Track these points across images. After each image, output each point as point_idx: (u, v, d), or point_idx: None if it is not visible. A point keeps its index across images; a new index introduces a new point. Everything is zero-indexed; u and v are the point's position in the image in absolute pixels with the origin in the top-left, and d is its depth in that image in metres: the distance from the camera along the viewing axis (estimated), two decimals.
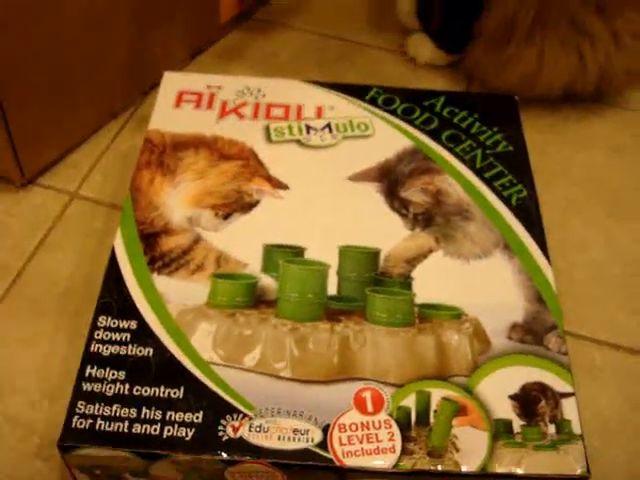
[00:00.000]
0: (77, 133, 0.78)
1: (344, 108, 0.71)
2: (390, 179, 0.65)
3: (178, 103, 0.71)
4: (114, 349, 0.53)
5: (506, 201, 0.64)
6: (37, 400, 0.59)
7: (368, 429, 0.50)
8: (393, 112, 0.71)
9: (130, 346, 0.53)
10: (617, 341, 0.66)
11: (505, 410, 0.51)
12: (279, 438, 0.49)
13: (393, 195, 0.64)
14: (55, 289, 0.66)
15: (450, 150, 0.68)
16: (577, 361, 0.62)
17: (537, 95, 0.83)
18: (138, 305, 0.55)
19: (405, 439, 0.50)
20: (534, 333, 0.56)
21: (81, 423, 0.50)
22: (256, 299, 0.57)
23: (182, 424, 0.50)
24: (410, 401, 0.51)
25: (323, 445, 0.49)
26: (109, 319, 0.55)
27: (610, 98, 0.88)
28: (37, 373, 0.61)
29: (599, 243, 0.73)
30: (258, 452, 0.49)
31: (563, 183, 0.79)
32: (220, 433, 0.49)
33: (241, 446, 0.49)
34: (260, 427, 0.50)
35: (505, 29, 0.79)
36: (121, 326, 0.54)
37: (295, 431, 0.49)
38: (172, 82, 0.73)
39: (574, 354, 0.62)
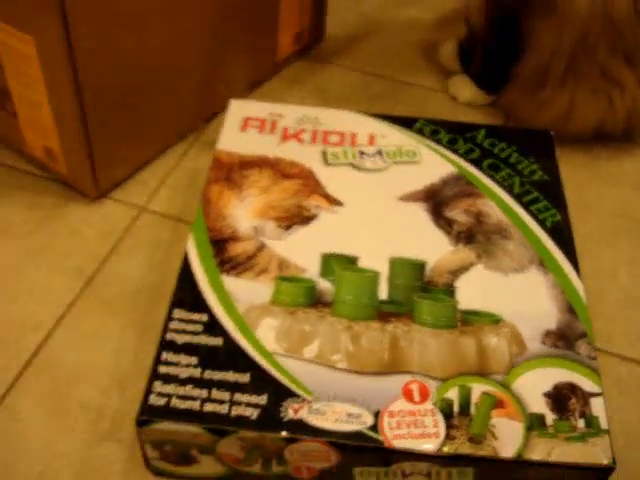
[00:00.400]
0: (147, 153, 0.84)
1: (394, 137, 0.78)
2: (436, 200, 0.72)
3: (244, 127, 0.78)
4: (187, 338, 0.59)
5: (541, 223, 0.70)
6: (107, 389, 0.65)
7: (415, 416, 0.55)
8: (438, 141, 0.77)
9: (202, 336, 0.59)
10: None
11: (539, 405, 0.56)
12: (335, 421, 0.55)
13: (438, 214, 0.70)
14: (125, 291, 0.72)
15: (490, 177, 0.74)
16: (605, 375, 0.66)
17: (569, 135, 0.88)
18: (209, 301, 0.61)
19: (448, 426, 0.55)
20: (566, 339, 0.61)
21: (157, 401, 0.55)
22: (315, 300, 0.63)
23: (248, 405, 0.55)
24: (453, 393, 0.57)
25: (374, 429, 0.54)
26: (183, 312, 0.61)
27: (639, 138, 0.93)
28: (108, 365, 0.66)
29: (627, 271, 0.78)
30: (315, 432, 0.54)
31: (596, 216, 0.84)
32: (282, 414, 0.55)
33: (300, 426, 0.54)
34: (318, 410, 0.55)
35: (540, 74, 0.86)
36: (194, 318, 0.60)
37: (349, 415, 0.55)
38: (238, 109, 0.80)
39: (602, 369, 0.67)
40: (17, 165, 0.84)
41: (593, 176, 0.89)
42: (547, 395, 0.57)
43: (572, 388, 0.58)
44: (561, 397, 0.57)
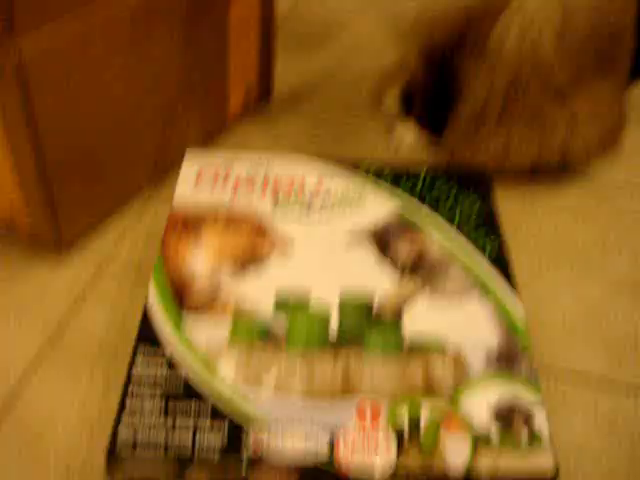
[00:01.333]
0: (108, 208, 0.88)
1: (341, 179, 0.83)
2: (381, 236, 0.76)
3: (199, 178, 0.82)
4: (151, 371, 0.62)
5: (481, 252, 0.75)
6: (78, 435, 0.67)
7: (368, 434, 0.59)
8: (383, 182, 0.82)
9: (165, 370, 0.63)
10: (585, 374, 0.74)
11: (484, 420, 0.60)
12: (294, 445, 0.58)
13: (384, 249, 0.75)
14: (91, 341, 0.75)
15: (432, 211, 0.79)
16: (550, 393, 0.71)
17: (508, 170, 0.94)
18: (171, 342, 0.65)
19: (400, 441, 0.59)
20: (507, 358, 0.65)
21: (126, 433, 0.58)
22: (270, 335, 0.66)
23: (211, 432, 0.59)
24: (403, 410, 0.60)
25: (331, 449, 0.58)
26: (147, 348, 0.64)
27: (574, 170, 0.99)
28: (77, 412, 0.68)
29: (567, 293, 0.83)
30: (276, 457, 0.57)
31: (536, 245, 0.88)
32: (243, 441, 0.58)
33: (262, 452, 0.57)
34: (277, 436, 0.58)
35: (477, 116, 0.91)
36: (158, 360, 0.64)
37: (308, 438, 0.58)
38: (192, 161, 0.85)
39: (548, 387, 0.72)
40: None
41: (532, 207, 0.94)
42: (491, 411, 0.61)
43: (515, 403, 0.62)
44: (504, 412, 0.61)
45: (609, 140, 0.99)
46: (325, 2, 1.36)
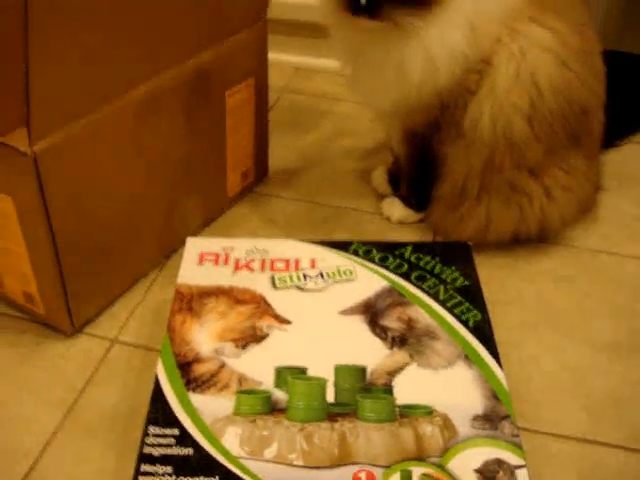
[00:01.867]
0: (115, 290, 0.94)
1: (332, 259, 0.89)
2: (372, 312, 0.82)
3: (200, 261, 0.88)
4: (162, 450, 0.68)
5: (464, 323, 0.81)
6: None
7: None
8: (371, 260, 0.89)
9: (175, 447, 0.68)
10: (567, 433, 0.79)
11: None
12: None
13: (375, 324, 0.81)
14: (103, 416, 0.80)
15: (418, 287, 0.85)
16: (535, 451, 0.76)
17: (490, 242, 1.00)
18: (179, 416, 0.70)
19: None
20: (491, 422, 0.71)
21: None
22: (271, 408, 0.72)
23: None
24: (396, 478, 0.65)
25: None
26: (157, 428, 0.69)
27: (553, 238, 1.05)
28: None
29: (549, 356, 0.88)
30: None
31: (518, 310, 0.94)
32: None
33: None
34: None
35: (457, 193, 0.98)
36: (167, 433, 0.69)
37: None
38: (194, 245, 0.91)
39: (532, 446, 0.76)
40: None
41: (513, 275, 1.00)
42: (478, 471, 0.66)
43: (499, 463, 0.67)
44: (490, 472, 0.66)
45: (583, 209, 1.06)
46: (312, 88, 1.44)
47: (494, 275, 0.98)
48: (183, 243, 0.94)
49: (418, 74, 0.88)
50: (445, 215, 1.02)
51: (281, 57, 1.43)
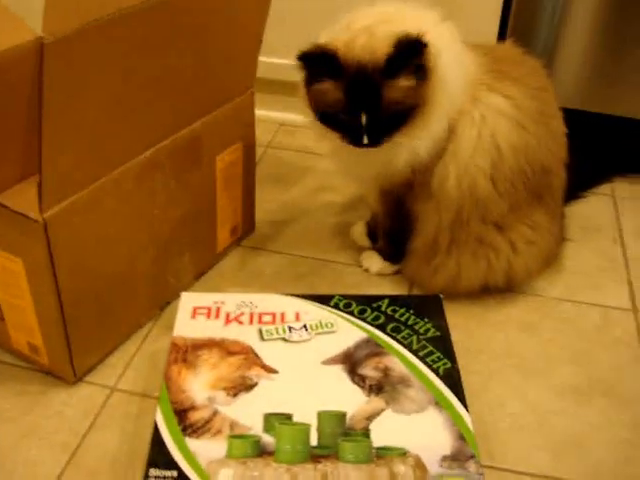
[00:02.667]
0: (114, 342, 1.01)
1: (315, 312, 0.97)
2: (351, 361, 0.90)
3: (193, 315, 0.96)
4: None
5: (435, 372, 0.89)
6: None
7: None
8: (351, 313, 0.97)
9: None
10: (533, 471, 0.86)
11: None
12: None
13: (354, 372, 0.88)
14: (105, 459, 0.86)
15: (393, 338, 0.93)
16: None
17: (461, 292, 1.07)
18: (177, 459, 0.78)
19: None
20: (458, 461, 0.78)
21: None
22: (260, 451, 0.79)
23: None
24: None
25: None
26: (157, 470, 0.77)
27: (519, 288, 1.12)
28: None
29: (514, 399, 0.95)
30: None
31: (486, 357, 1.01)
32: None
33: None
34: None
35: (430, 247, 1.05)
36: (166, 475, 0.76)
37: None
38: (188, 300, 0.99)
39: None
40: (4, 359, 0.99)
41: (482, 323, 1.07)
42: None
43: None
44: None
45: (547, 261, 1.14)
46: (295, 144, 1.52)
47: (464, 323, 1.06)
48: (176, 296, 1.02)
49: (404, 162, 0.98)
50: (419, 267, 1.09)
51: (266, 114, 1.52)
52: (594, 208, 1.34)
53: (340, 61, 0.91)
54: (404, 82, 0.91)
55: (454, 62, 0.96)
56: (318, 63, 0.92)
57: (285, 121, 1.59)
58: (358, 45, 0.91)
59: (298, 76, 0.97)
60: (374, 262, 1.16)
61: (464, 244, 1.05)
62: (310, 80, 0.95)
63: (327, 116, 0.95)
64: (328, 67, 0.92)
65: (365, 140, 0.93)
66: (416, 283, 1.13)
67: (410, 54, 0.90)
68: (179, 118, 0.98)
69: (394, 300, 0.99)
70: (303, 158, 1.47)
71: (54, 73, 0.74)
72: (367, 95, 0.91)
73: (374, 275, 1.16)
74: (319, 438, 0.81)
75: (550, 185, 1.07)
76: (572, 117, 1.09)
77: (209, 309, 0.97)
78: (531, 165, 1.01)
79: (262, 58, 1.11)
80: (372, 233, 1.20)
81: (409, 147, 0.96)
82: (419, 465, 0.78)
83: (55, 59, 0.73)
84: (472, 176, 0.99)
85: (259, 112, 1.17)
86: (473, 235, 1.04)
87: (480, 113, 0.98)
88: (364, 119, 0.92)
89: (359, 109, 0.92)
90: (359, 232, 1.22)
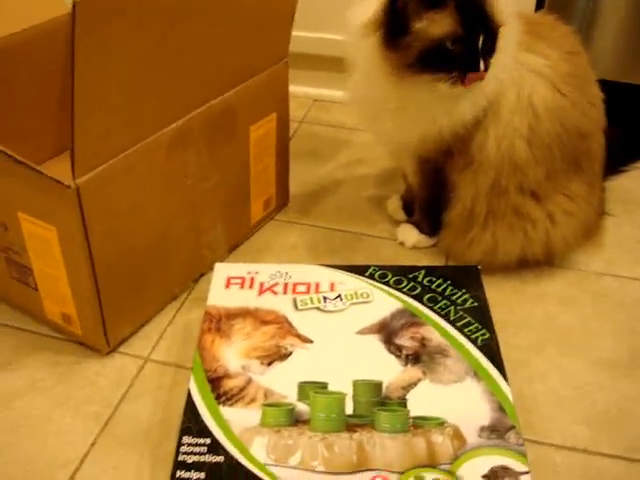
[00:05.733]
0: (148, 313, 1.00)
1: (350, 282, 0.95)
2: (387, 331, 0.88)
3: (227, 285, 0.95)
4: (195, 458, 0.74)
5: (473, 342, 0.87)
6: None
7: None
8: (386, 283, 0.95)
9: (207, 456, 0.74)
10: (573, 444, 0.84)
11: None
12: None
13: (390, 342, 0.87)
14: (138, 429, 0.86)
15: (430, 308, 0.91)
16: (539, 461, 0.81)
17: (497, 265, 1.05)
18: (210, 427, 0.77)
19: None
20: (497, 432, 0.76)
21: None
22: (295, 420, 0.78)
23: None
24: None
25: None
26: (190, 438, 0.76)
27: (558, 261, 1.10)
28: None
29: (554, 373, 0.93)
30: None
31: (526, 331, 0.99)
32: None
33: None
34: None
35: (466, 218, 1.03)
36: (199, 442, 0.75)
37: None
38: (222, 270, 0.98)
39: (536, 456, 0.82)
40: (37, 329, 0.99)
41: (521, 297, 1.05)
42: (485, 477, 0.72)
43: (505, 470, 0.73)
44: (497, 478, 0.72)
45: (587, 233, 1.12)
46: (329, 119, 1.51)
47: (502, 297, 1.04)
48: (210, 268, 1.01)
49: (450, 122, 0.96)
50: (455, 240, 1.07)
51: (300, 89, 1.51)
52: (635, 182, 1.30)
53: None
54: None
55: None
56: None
57: (319, 96, 1.57)
58: None
59: (365, 42, 0.93)
60: (409, 235, 1.14)
61: (501, 216, 1.03)
62: (400, 27, 0.90)
63: (431, 57, 0.90)
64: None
65: (482, 65, 0.89)
66: (452, 256, 1.11)
67: None
68: (212, 87, 0.97)
69: (431, 271, 0.98)
70: (338, 133, 1.45)
71: (85, 36, 0.73)
72: (481, 15, 0.89)
73: (409, 249, 1.14)
74: (354, 407, 0.80)
75: (588, 151, 1.05)
76: (612, 89, 1.07)
77: (243, 279, 0.96)
78: (566, 129, 0.99)
79: (295, 32, 1.09)
80: (407, 207, 1.18)
81: (460, 106, 0.94)
82: (457, 435, 0.76)
83: (86, 21, 0.72)
84: (510, 138, 0.98)
85: (293, 88, 1.16)
86: (510, 205, 1.02)
87: (519, 73, 0.97)
88: (481, 41, 0.89)
89: (477, 30, 0.89)
90: (394, 205, 1.20)
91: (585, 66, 1.04)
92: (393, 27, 0.90)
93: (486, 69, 0.90)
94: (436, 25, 0.89)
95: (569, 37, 1.04)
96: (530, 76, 0.97)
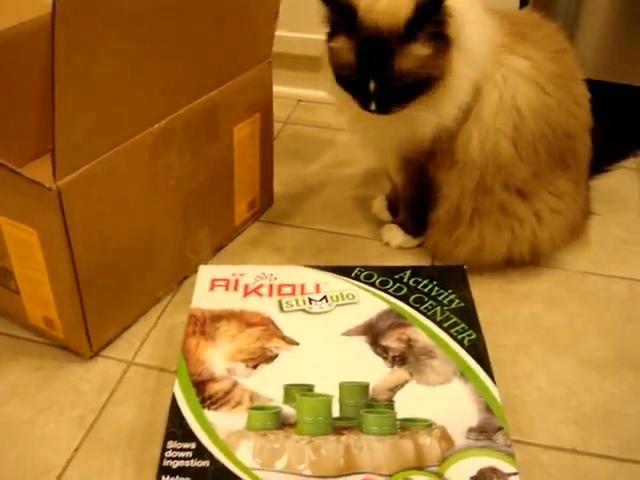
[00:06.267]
0: (131, 315, 0.99)
1: (335, 284, 0.95)
2: (373, 332, 0.88)
3: (212, 287, 0.94)
4: (180, 463, 0.73)
5: (460, 343, 0.86)
6: None
7: None
8: (372, 284, 0.94)
9: (192, 460, 0.73)
10: (561, 445, 0.84)
11: None
12: None
13: (376, 344, 0.86)
14: (122, 433, 0.84)
15: (416, 309, 0.91)
16: (527, 462, 0.81)
17: (484, 265, 1.05)
18: (195, 432, 0.76)
19: None
20: (485, 433, 0.76)
21: None
22: (281, 423, 0.77)
23: None
24: None
25: None
26: (175, 442, 0.75)
27: (544, 261, 1.10)
28: None
29: (541, 373, 0.93)
30: None
31: (512, 330, 0.99)
32: None
33: None
34: None
35: (452, 217, 1.03)
36: (184, 447, 0.74)
37: None
38: (206, 272, 0.97)
39: (525, 456, 0.81)
40: (19, 334, 0.97)
41: (507, 296, 1.05)
42: (473, 479, 0.72)
43: (493, 471, 0.72)
44: (485, 479, 0.71)
45: (573, 232, 1.11)
46: (314, 119, 1.50)
47: (489, 297, 1.03)
48: (194, 270, 1.00)
49: (429, 132, 0.96)
50: (441, 239, 1.06)
51: (284, 90, 1.50)
52: (620, 182, 1.30)
53: (358, 18, 0.87)
54: (421, 50, 0.88)
55: (477, 28, 0.93)
56: (339, 14, 0.89)
57: (303, 97, 1.56)
58: (381, 5, 0.88)
59: (323, 32, 0.94)
60: (395, 235, 1.14)
61: (487, 214, 1.02)
62: (330, 34, 0.92)
63: (339, 78, 0.93)
64: (347, 22, 0.88)
65: (372, 106, 0.90)
66: (438, 256, 1.10)
67: (429, 14, 0.86)
68: (195, 87, 0.96)
69: (416, 271, 0.97)
70: (322, 133, 1.45)
71: (66, 36, 0.72)
72: (378, 61, 0.88)
73: (395, 249, 1.14)
74: (341, 410, 0.79)
75: (574, 150, 1.05)
76: (597, 89, 1.07)
77: (227, 281, 0.95)
78: (552, 128, 0.99)
79: (279, 32, 1.08)
80: (392, 207, 1.17)
81: (434, 116, 0.93)
82: (445, 437, 0.75)
83: (67, 21, 0.71)
84: (494, 139, 0.97)
85: (277, 88, 1.15)
86: (496, 204, 1.02)
87: (502, 75, 0.96)
88: (372, 86, 0.89)
89: (368, 75, 0.89)
90: (379, 206, 1.19)
91: (571, 65, 1.04)
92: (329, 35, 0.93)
93: (381, 111, 0.91)
94: (342, 52, 0.91)
95: (555, 35, 1.03)
96: (514, 78, 0.96)
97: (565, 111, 1.00)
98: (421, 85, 0.90)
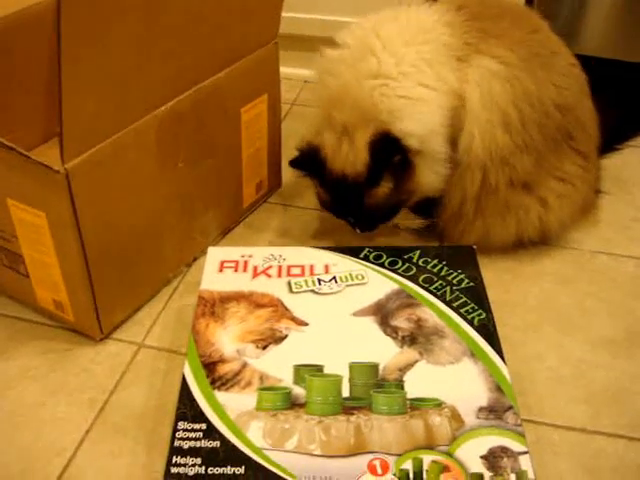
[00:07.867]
0: (141, 298, 0.99)
1: (344, 264, 0.94)
2: (382, 313, 0.87)
3: (221, 269, 0.94)
4: (191, 443, 0.73)
5: (470, 322, 0.86)
6: None
7: None
8: (381, 265, 0.94)
9: (202, 441, 0.73)
10: (571, 424, 0.84)
11: (478, 467, 0.71)
12: None
13: (386, 324, 0.86)
14: (132, 415, 0.85)
15: (426, 289, 0.90)
16: (538, 441, 0.81)
17: (493, 249, 1.04)
18: (206, 412, 0.76)
19: None
20: (495, 412, 0.76)
21: None
22: (291, 403, 0.77)
23: None
24: (408, 465, 0.71)
25: None
26: (186, 423, 0.75)
27: (553, 240, 1.10)
28: (124, 477, 0.79)
29: (552, 352, 0.93)
30: None
31: (522, 310, 0.99)
32: None
33: None
34: None
35: (455, 215, 1.03)
36: (195, 428, 0.74)
37: None
38: (215, 254, 0.97)
39: (535, 436, 0.82)
40: (29, 317, 0.98)
41: (517, 276, 1.05)
42: (484, 458, 0.71)
43: (503, 450, 0.72)
44: (495, 458, 0.71)
45: (583, 210, 1.11)
46: None
47: (498, 277, 1.03)
48: (203, 252, 1.00)
49: (437, 188, 1.02)
50: (448, 226, 1.06)
51: (290, 71, 1.49)
52: (629, 161, 1.29)
53: (326, 169, 0.98)
54: (386, 186, 0.97)
55: (435, 111, 0.96)
56: (310, 166, 1.00)
57: (310, 78, 1.55)
58: (342, 154, 0.97)
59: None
60: (403, 216, 1.12)
61: (490, 210, 1.02)
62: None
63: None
64: (318, 172, 0.99)
65: (358, 231, 1.04)
66: (446, 240, 1.09)
67: (390, 157, 0.95)
68: (202, 68, 0.96)
69: (426, 251, 0.97)
70: None
71: (72, 19, 0.71)
72: (349, 202, 0.99)
73: (403, 230, 1.14)
74: (351, 390, 0.79)
75: (577, 120, 1.03)
76: (607, 67, 1.06)
77: (236, 263, 0.95)
78: (542, 110, 0.98)
79: (285, 13, 1.08)
80: None
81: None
82: (455, 416, 0.75)
83: (72, 4, 0.70)
84: (490, 132, 0.96)
85: (283, 69, 1.15)
86: (501, 200, 1.01)
87: (473, 77, 0.96)
88: (350, 219, 1.03)
89: (344, 214, 1.03)
90: None
91: (546, 41, 1.03)
92: None
93: (367, 231, 1.04)
94: (320, 192, 1.03)
95: (522, 18, 1.03)
96: (485, 77, 0.96)
97: (549, 88, 0.99)
98: (397, 207, 1.01)
